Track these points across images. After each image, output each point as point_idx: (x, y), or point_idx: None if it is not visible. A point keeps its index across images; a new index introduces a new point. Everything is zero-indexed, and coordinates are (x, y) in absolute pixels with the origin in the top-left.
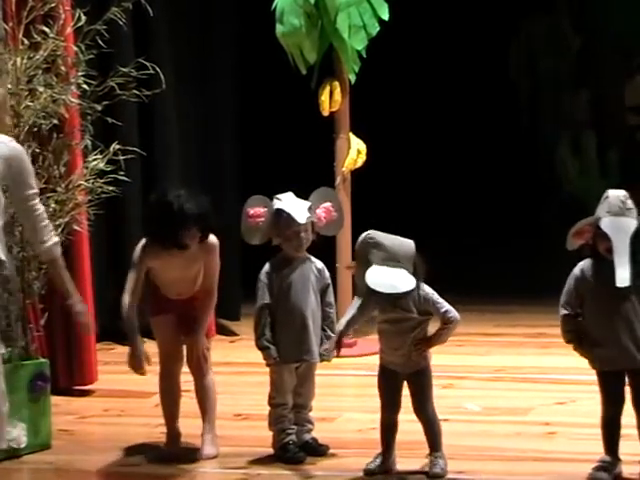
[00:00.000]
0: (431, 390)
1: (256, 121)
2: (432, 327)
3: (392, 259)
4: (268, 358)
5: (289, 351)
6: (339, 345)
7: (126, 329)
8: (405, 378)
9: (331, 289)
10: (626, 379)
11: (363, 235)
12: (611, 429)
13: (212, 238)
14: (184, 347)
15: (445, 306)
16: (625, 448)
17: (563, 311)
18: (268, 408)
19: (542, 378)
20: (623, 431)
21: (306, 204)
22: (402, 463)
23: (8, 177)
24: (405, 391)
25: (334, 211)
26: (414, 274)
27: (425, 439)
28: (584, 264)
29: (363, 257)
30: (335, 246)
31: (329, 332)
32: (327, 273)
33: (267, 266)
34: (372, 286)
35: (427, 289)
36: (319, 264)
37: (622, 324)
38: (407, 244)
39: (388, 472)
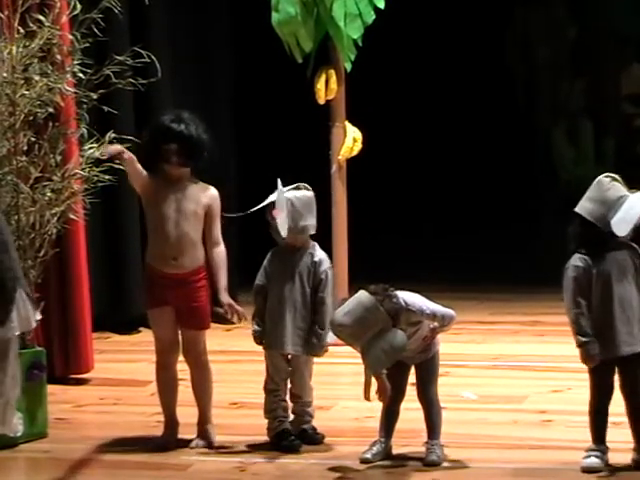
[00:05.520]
0: (437, 375)
1: (252, 109)
2: None
3: (366, 332)
4: (254, 338)
5: (269, 338)
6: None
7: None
8: (413, 363)
9: (325, 284)
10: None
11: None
12: (600, 418)
13: (211, 189)
14: (180, 338)
15: (432, 312)
16: (616, 436)
17: (575, 310)
18: (263, 396)
19: (538, 366)
20: (611, 419)
21: (272, 196)
22: (399, 450)
23: None
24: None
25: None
26: (391, 318)
27: (425, 426)
28: (580, 255)
29: (350, 345)
30: (331, 235)
31: (316, 328)
32: (324, 267)
33: (272, 251)
34: (381, 370)
35: (410, 302)
36: (318, 257)
37: (619, 310)
38: (362, 309)
39: (385, 459)
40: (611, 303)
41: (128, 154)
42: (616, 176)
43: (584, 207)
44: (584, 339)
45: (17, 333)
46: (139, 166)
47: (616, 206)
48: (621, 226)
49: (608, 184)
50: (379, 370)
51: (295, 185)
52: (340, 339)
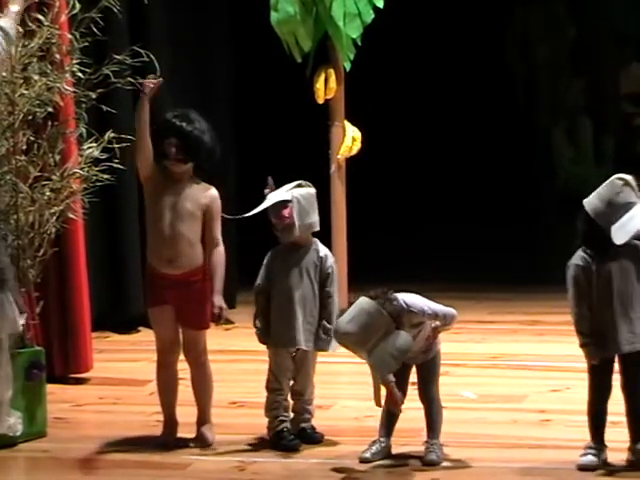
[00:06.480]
0: (438, 375)
1: (251, 109)
2: None
3: (371, 337)
4: (258, 338)
5: (278, 336)
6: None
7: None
8: (415, 363)
9: (332, 279)
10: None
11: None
12: (598, 416)
13: (212, 189)
14: (181, 337)
15: (433, 312)
16: (615, 436)
17: (575, 310)
18: (263, 396)
19: (537, 365)
20: (609, 418)
21: (276, 196)
22: (398, 449)
23: None
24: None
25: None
26: (394, 321)
27: (425, 425)
28: (582, 254)
29: (356, 352)
30: (331, 234)
31: (326, 323)
32: (329, 262)
33: (272, 250)
34: (388, 378)
35: (411, 303)
36: (323, 252)
37: (621, 308)
38: (365, 315)
39: (384, 458)
40: (612, 301)
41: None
42: (630, 179)
43: (591, 203)
44: (583, 340)
45: (3, 335)
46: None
47: (621, 212)
48: (619, 234)
49: (619, 187)
50: (386, 374)
51: (297, 183)
52: (345, 347)
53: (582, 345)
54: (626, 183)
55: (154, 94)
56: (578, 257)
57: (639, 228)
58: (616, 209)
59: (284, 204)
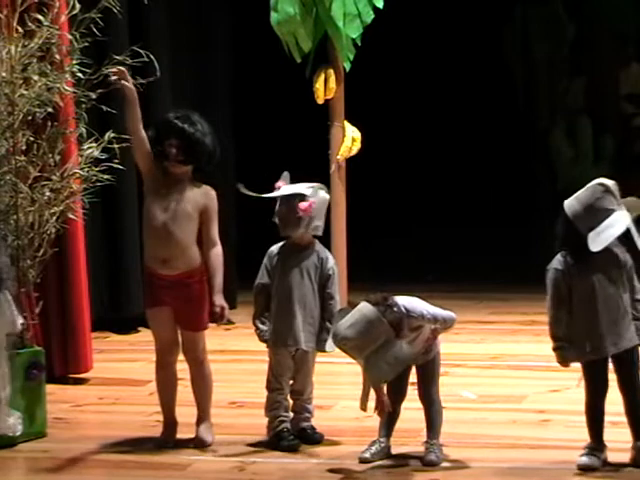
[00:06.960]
0: (438, 376)
1: (251, 109)
2: None
3: (370, 344)
4: (259, 337)
5: (278, 335)
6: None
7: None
8: (415, 364)
9: (333, 280)
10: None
11: (336, 341)
12: (596, 416)
13: (210, 190)
14: (179, 337)
15: (433, 317)
16: (615, 436)
17: (551, 313)
18: (263, 396)
19: (537, 366)
20: (609, 419)
21: (295, 189)
22: (397, 449)
23: None
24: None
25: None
26: (394, 328)
27: (425, 425)
28: (561, 258)
29: (353, 357)
30: (330, 234)
31: (328, 324)
32: (330, 264)
33: (274, 248)
34: (384, 382)
35: (410, 308)
36: (323, 254)
37: (604, 311)
38: (366, 322)
39: (384, 458)
40: (595, 304)
41: (131, 88)
42: (611, 185)
43: (571, 206)
44: (556, 344)
45: (0, 334)
46: (141, 128)
47: (599, 218)
48: (596, 241)
49: (600, 193)
50: (381, 382)
51: (318, 185)
52: (343, 351)
53: (555, 348)
54: (607, 190)
55: (121, 80)
56: (557, 261)
57: (615, 237)
58: (594, 215)
59: (302, 197)
